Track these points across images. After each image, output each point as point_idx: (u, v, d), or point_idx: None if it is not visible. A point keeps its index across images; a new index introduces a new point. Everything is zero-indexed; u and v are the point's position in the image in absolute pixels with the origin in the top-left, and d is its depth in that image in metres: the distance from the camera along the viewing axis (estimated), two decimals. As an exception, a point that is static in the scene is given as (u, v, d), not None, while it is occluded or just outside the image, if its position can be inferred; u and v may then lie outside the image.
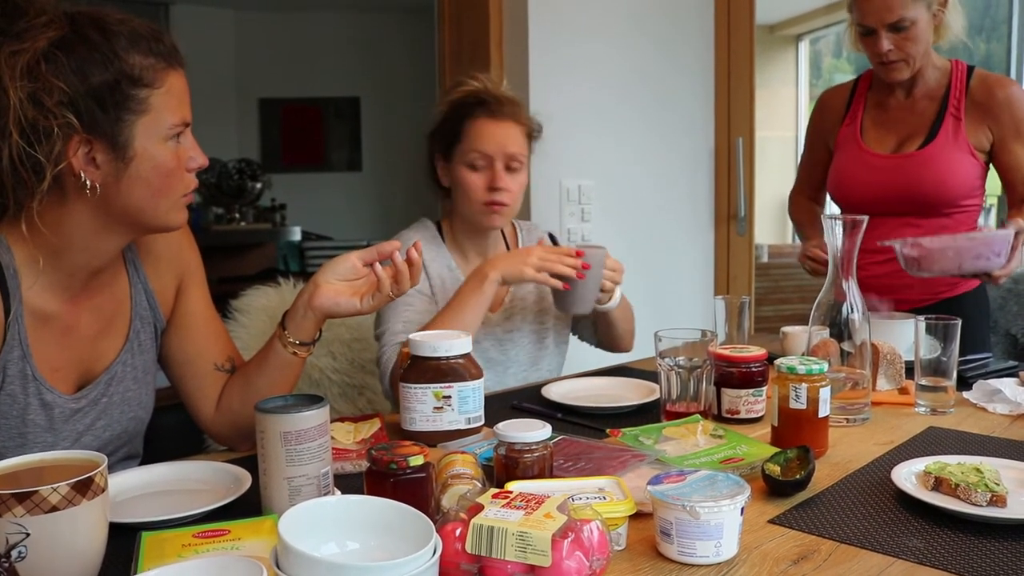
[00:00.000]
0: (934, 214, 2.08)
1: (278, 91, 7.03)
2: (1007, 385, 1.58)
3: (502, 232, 1.97)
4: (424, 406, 1.39)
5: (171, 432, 1.66)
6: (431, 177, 1.91)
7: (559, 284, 1.66)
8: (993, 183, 2.19)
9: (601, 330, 1.95)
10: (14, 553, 0.84)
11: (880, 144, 2.17)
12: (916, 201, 2.04)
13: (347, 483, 1.19)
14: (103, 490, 0.90)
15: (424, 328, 1.63)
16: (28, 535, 0.84)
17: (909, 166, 2.10)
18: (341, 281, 1.35)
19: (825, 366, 1.31)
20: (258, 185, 6.29)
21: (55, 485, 0.85)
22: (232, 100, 6.93)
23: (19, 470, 0.92)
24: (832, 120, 2.28)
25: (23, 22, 1.09)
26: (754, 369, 1.49)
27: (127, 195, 1.18)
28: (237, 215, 6.17)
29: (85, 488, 0.87)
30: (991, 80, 2.10)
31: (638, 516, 1.02)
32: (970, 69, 2.13)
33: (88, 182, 1.14)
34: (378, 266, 1.34)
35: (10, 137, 1.07)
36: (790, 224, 7.95)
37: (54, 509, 0.85)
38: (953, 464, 1.16)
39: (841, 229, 1.45)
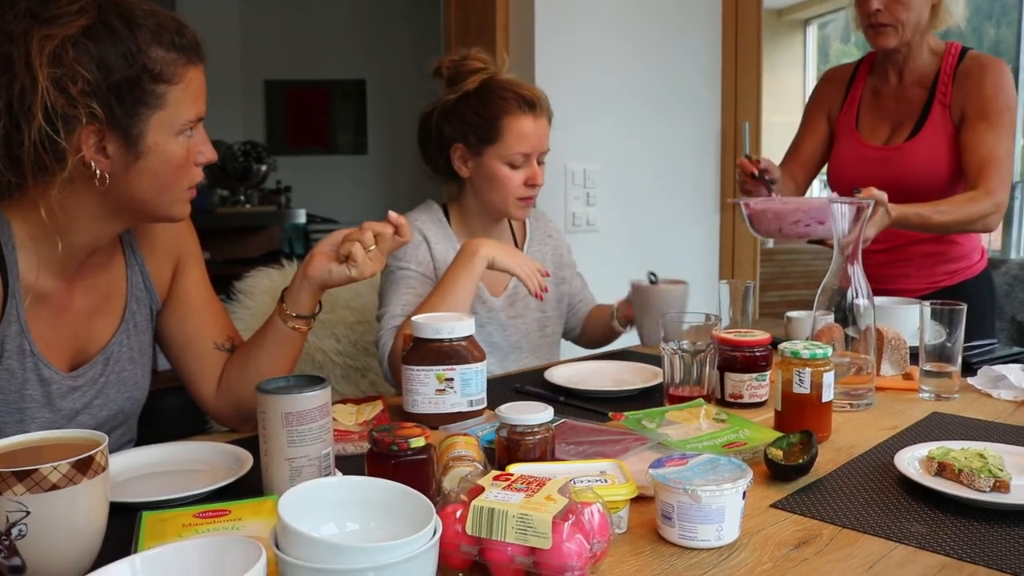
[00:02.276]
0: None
1: (284, 73, 7.01)
2: (1012, 371, 1.57)
3: (508, 220, 1.97)
4: (427, 388, 1.39)
5: (173, 414, 1.67)
6: (442, 165, 1.87)
7: (534, 290, 1.68)
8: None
9: (587, 337, 2.09)
10: (14, 531, 0.84)
11: (874, 134, 2.15)
12: (909, 192, 1.96)
13: (349, 464, 1.19)
14: (104, 469, 0.90)
15: (418, 308, 1.63)
16: (28, 513, 0.84)
17: (898, 158, 2.07)
18: (333, 251, 1.36)
19: (829, 351, 1.31)
20: (263, 167, 6.27)
21: (56, 463, 0.85)
22: (237, 82, 6.91)
23: (19, 448, 0.92)
24: (834, 96, 2.25)
25: (55, 7, 1.09)
26: (758, 353, 1.48)
27: (134, 186, 1.18)
28: (242, 197, 6.15)
29: (86, 467, 0.87)
30: (979, 60, 2.04)
31: (640, 499, 1.02)
32: (963, 51, 2.07)
33: (97, 171, 1.14)
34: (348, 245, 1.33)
35: (35, 119, 1.07)
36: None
37: (54, 487, 0.85)
38: (957, 449, 1.15)
39: (847, 214, 1.44)
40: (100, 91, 1.10)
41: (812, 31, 7.61)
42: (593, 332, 2.08)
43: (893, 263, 2.11)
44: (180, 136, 1.18)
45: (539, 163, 1.83)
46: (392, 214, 1.38)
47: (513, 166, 1.80)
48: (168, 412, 1.72)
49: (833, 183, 2.23)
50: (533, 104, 1.80)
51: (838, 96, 2.24)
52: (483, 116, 1.79)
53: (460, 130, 1.81)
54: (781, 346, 1.33)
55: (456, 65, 1.84)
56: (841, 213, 1.45)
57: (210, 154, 1.24)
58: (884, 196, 1.78)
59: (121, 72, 1.11)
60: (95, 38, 1.10)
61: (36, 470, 0.84)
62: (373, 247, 1.34)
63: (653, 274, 1.81)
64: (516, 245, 1.98)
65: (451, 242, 1.86)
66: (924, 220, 1.88)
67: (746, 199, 1.84)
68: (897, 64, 2.11)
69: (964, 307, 1.50)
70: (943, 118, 2.04)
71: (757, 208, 1.81)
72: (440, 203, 1.93)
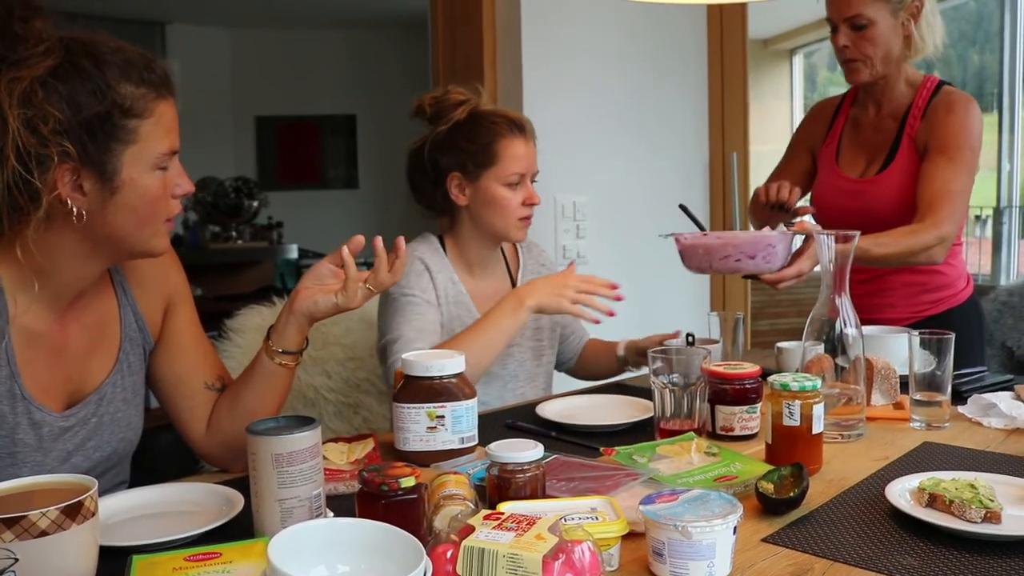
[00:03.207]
0: None
1: (274, 109, 7.06)
2: (1002, 399, 1.58)
3: (501, 248, 1.99)
4: (418, 426, 1.39)
5: (166, 451, 1.66)
6: (439, 197, 1.89)
7: (592, 318, 1.72)
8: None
9: (585, 372, 2.11)
10: (2, 579, 0.84)
11: (852, 166, 2.16)
12: (882, 224, 1.93)
13: (340, 504, 1.19)
14: (93, 514, 0.90)
15: (449, 342, 1.67)
16: (17, 560, 0.84)
17: (871, 190, 2.08)
18: (318, 285, 1.37)
19: (818, 383, 1.31)
20: (255, 203, 6.30)
21: (44, 509, 0.85)
22: (228, 118, 6.95)
23: (7, 494, 0.92)
24: (818, 131, 2.27)
25: (22, 49, 1.10)
26: (748, 386, 1.49)
27: (112, 222, 1.19)
28: (234, 233, 6.17)
29: (75, 512, 0.87)
30: (949, 97, 2.04)
31: (631, 536, 1.01)
32: (939, 86, 2.07)
33: (74, 209, 1.15)
34: (347, 254, 1.35)
35: (7, 161, 1.08)
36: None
37: (43, 534, 0.84)
38: (947, 480, 1.15)
39: (833, 245, 1.45)
40: (71, 129, 1.11)
41: (798, 60, 7.69)
42: (593, 368, 2.10)
43: (876, 293, 2.12)
44: (156, 170, 1.20)
45: (531, 182, 1.89)
46: (400, 240, 1.39)
47: (510, 187, 1.84)
48: (160, 449, 1.72)
49: (815, 214, 2.25)
50: (522, 127, 1.87)
51: (821, 130, 2.26)
52: (477, 142, 1.83)
53: (456, 159, 1.84)
54: (770, 378, 1.33)
55: (438, 101, 1.88)
56: (827, 245, 1.46)
57: (187, 186, 1.26)
58: (815, 229, 1.78)
59: (91, 109, 1.12)
60: (63, 78, 1.11)
61: (25, 516, 0.84)
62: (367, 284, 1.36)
63: (691, 335, 1.81)
64: (510, 274, 2.00)
65: (448, 272, 1.88)
66: (863, 253, 1.83)
67: (677, 233, 1.82)
68: (875, 96, 2.13)
69: (952, 336, 1.51)
70: (911, 151, 2.05)
71: (687, 243, 1.79)
72: (436, 234, 1.95)
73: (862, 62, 2.03)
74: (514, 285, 1.98)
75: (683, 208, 2.00)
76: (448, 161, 1.85)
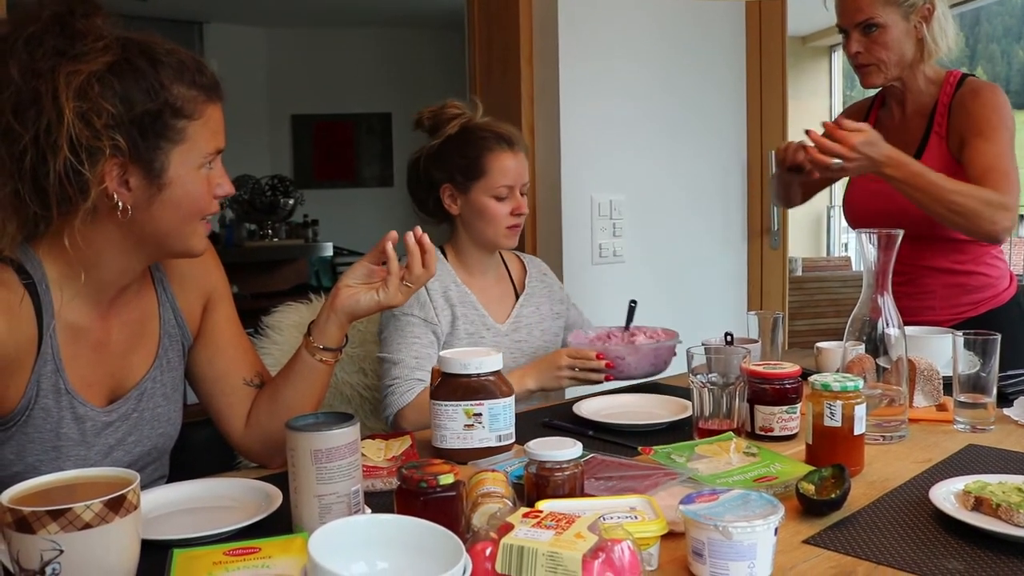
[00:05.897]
0: (937, 236, 2.02)
1: (310, 107, 7.10)
2: (1049, 402, 1.55)
3: (501, 256, 2.06)
4: (455, 423, 1.39)
5: (203, 447, 1.68)
6: (432, 206, 1.98)
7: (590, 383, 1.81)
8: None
9: None
10: (48, 570, 0.85)
11: None
12: (912, 226, 1.82)
13: (378, 500, 1.19)
14: (135, 507, 0.91)
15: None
16: (62, 552, 0.85)
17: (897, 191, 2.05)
18: (359, 283, 1.39)
19: (860, 383, 1.29)
20: (290, 201, 6.35)
21: (88, 502, 0.86)
22: (265, 117, 7.01)
23: (52, 487, 0.94)
24: None
25: (81, 45, 1.12)
26: (788, 386, 1.47)
27: (156, 219, 1.20)
28: (270, 231, 6.23)
29: (118, 505, 0.88)
30: (972, 86, 2.00)
31: (670, 536, 1.01)
32: (963, 79, 2.04)
33: (120, 204, 1.16)
34: (390, 247, 1.38)
35: (60, 151, 1.10)
36: (824, 237, 7.89)
37: (87, 526, 0.86)
38: (994, 483, 1.13)
39: (876, 244, 1.43)
40: (123, 124, 1.13)
41: (837, 57, 7.60)
42: None
43: (915, 295, 2.08)
44: (200, 169, 1.22)
45: (521, 195, 1.94)
46: (417, 230, 1.41)
47: (499, 199, 1.90)
48: (197, 445, 1.73)
49: (847, 218, 2.25)
50: (512, 141, 1.93)
51: None
52: (467, 156, 1.90)
53: (447, 171, 1.93)
54: (812, 379, 1.32)
55: (435, 115, 1.96)
56: (870, 242, 1.44)
57: (228, 187, 1.28)
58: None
59: (144, 106, 1.14)
60: (119, 74, 1.13)
61: (69, 509, 0.85)
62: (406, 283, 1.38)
63: (729, 334, 1.80)
64: (511, 280, 2.07)
65: (450, 277, 1.94)
66: (927, 183, 1.82)
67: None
68: (898, 97, 2.11)
69: (998, 337, 1.48)
70: (939, 149, 2.02)
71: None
72: (437, 245, 1.98)
73: (875, 66, 2.02)
74: (515, 290, 2.05)
75: (631, 305, 2.04)
76: (440, 174, 1.94)
